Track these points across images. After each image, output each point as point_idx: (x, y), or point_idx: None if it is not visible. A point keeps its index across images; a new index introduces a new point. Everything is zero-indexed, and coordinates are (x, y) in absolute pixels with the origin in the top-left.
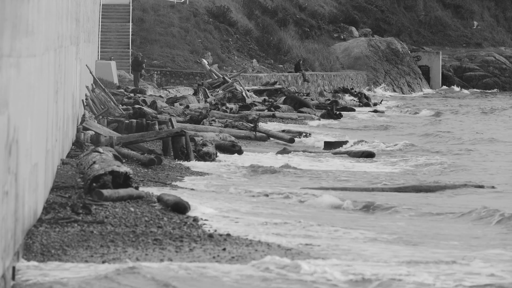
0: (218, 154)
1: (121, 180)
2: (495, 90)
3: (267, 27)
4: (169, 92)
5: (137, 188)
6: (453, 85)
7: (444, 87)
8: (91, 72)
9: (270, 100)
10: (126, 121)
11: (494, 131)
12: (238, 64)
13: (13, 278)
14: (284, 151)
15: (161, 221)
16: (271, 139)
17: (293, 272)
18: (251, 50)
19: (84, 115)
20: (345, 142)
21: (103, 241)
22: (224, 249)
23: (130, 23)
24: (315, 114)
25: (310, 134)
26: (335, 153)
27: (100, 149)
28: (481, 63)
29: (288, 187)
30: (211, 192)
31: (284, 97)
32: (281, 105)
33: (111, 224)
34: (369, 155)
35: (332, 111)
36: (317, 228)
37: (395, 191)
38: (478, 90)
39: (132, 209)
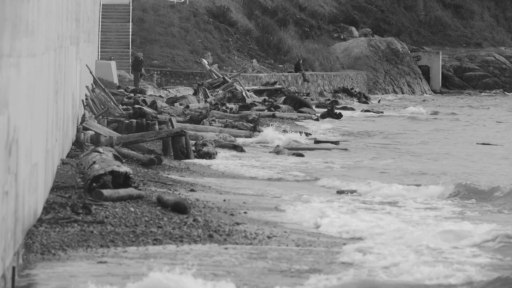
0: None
1: (121, 180)
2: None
3: (267, 27)
4: (169, 92)
5: (137, 187)
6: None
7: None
8: (91, 72)
9: (270, 100)
10: (126, 121)
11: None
12: (238, 64)
13: (13, 281)
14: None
15: (161, 221)
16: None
17: None
18: (251, 50)
19: (84, 115)
20: (337, 143)
21: (103, 241)
22: (226, 249)
23: (130, 23)
24: (315, 114)
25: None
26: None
27: (100, 149)
28: (481, 63)
29: None
30: None
31: (284, 97)
32: (281, 105)
33: (111, 224)
34: (299, 154)
35: (332, 111)
36: None
37: None
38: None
39: (132, 209)
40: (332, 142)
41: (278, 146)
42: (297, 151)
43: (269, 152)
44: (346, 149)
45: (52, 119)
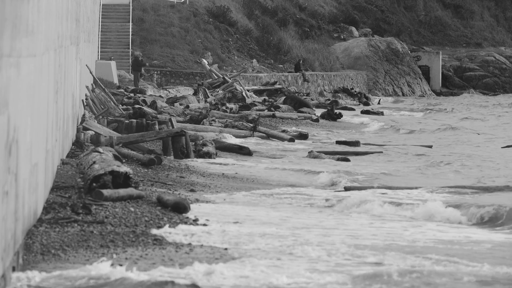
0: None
1: (121, 180)
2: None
3: (267, 27)
4: (169, 92)
5: (136, 187)
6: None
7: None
8: (91, 72)
9: (270, 100)
10: (126, 121)
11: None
12: (238, 64)
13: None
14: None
15: (161, 221)
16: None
17: None
18: (251, 50)
19: (84, 115)
20: (357, 143)
21: (103, 241)
22: (225, 249)
23: (130, 23)
24: (315, 114)
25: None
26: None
27: (100, 149)
28: (481, 63)
29: None
30: None
31: (284, 97)
32: (281, 105)
33: (111, 224)
34: (344, 159)
35: (332, 111)
36: None
37: None
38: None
39: (132, 209)
40: (352, 143)
41: (312, 151)
42: (339, 155)
43: (304, 157)
44: (381, 152)
45: (52, 119)
